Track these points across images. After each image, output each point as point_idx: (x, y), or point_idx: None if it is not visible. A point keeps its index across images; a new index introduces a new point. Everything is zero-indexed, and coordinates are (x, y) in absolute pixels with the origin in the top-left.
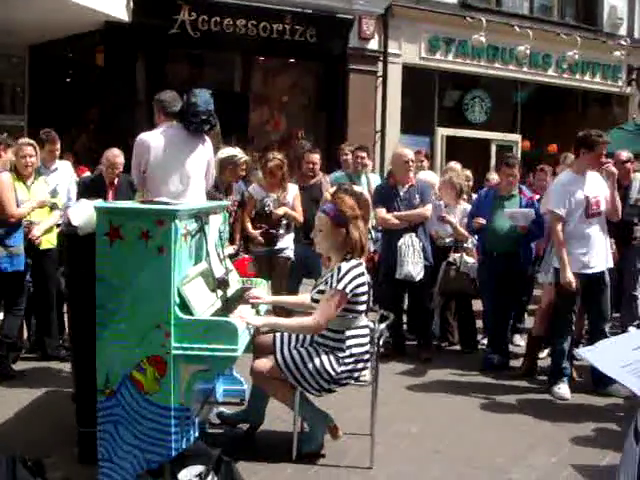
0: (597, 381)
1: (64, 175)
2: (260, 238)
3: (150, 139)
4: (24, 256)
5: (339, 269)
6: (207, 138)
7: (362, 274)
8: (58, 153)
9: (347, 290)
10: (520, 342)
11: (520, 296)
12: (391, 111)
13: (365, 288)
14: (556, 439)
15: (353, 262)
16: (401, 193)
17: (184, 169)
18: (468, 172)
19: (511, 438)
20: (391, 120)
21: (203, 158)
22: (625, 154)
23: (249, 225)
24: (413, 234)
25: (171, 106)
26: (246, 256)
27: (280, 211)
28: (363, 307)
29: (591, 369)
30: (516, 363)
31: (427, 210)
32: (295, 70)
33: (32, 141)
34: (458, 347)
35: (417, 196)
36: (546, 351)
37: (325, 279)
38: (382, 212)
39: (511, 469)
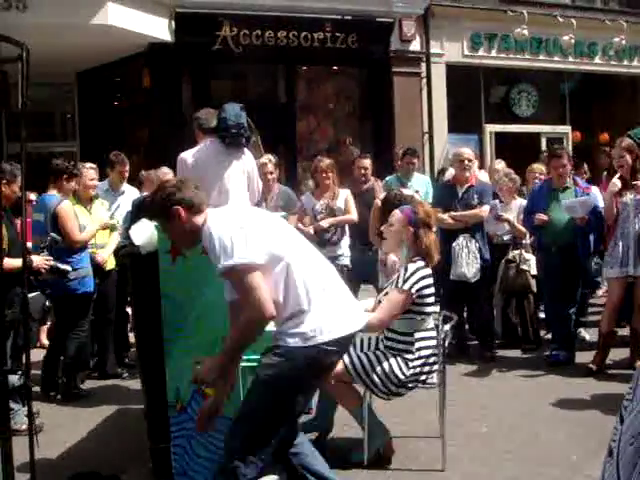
0: None
1: (130, 199)
2: (311, 231)
3: (188, 157)
4: (92, 278)
5: (406, 269)
6: (246, 151)
7: (429, 276)
8: (127, 175)
9: (413, 290)
10: (585, 335)
11: (581, 289)
12: (437, 111)
13: (432, 289)
14: None
15: (420, 263)
16: (459, 193)
17: (222, 183)
18: (542, 166)
19: (583, 435)
20: (438, 120)
21: (241, 171)
22: None
23: (300, 224)
24: (468, 235)
25: (207, 123)
26: None
27: (324, 223)
28: (431, 309)
29: None
30: (581, 358)
31: (483, 211)
32: (339, 77)
33: (94, 165)
34: (522, 345)
35: (475, 197)
36: None
37: (392, 281)
38: (438, 212)
39: (586, 466)
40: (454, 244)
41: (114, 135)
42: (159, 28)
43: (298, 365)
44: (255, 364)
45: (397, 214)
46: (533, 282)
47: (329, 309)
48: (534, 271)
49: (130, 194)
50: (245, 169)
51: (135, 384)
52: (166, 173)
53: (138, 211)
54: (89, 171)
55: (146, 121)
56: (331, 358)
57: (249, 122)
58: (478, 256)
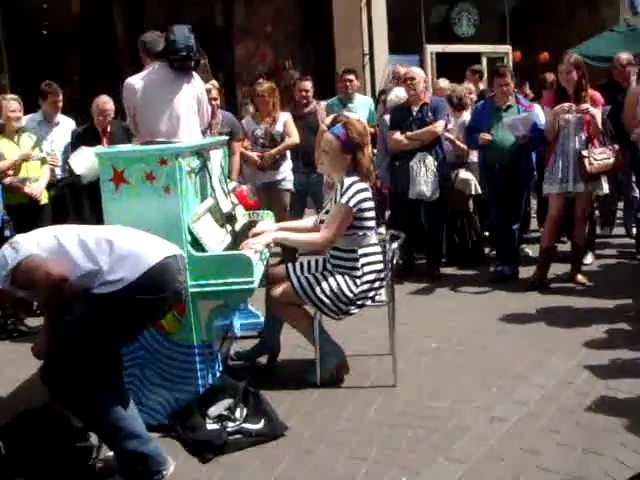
0: None
1: (66, 130)
2: (258, 159)
3: (135, 82)
4: (2, 213)
5: (342, 184)
6: (195, 75)
7: (365, 189)
8: (61, 105)
9: (351, 204)
10: (528, 251)
11: (524, 206)
12: (378, 32)
13: (370, 203)
14: (571, 344)
15: (355, 177)
16: (414, 113)
17: (172, 108)
18: (470, 85)
19: (528, 346)
20: (379, 41)
21: (191, 95)
22: (625, 56)
23: (246, 151)
24: (426, 153)
25: (154, 47)
26: (243, 187)
27: (268, 158)
28: (371, 223)
29: None
30: (524, 273)
31: (437, 127)
32: None
33: (16, 96)
34: (464, 263)
35: (430, 114)
36: (589, 256)
37: (330, 198)
38: (395, 134)
39: (531, 376)
40: (411, 163)
41: (45, 65)
42: None
43: (114, 308)
44: (205, 289)
45: (332, 139)
46: (469, 202)
47: (123, 255)
48: (471, 191)
49: (66, 125)
50: (195, 94)
51: None
52: (106, 102)
53: (77, 141)
54: (9, 102)
55: (78, 49)
56: (150, 294)
57: (197, 45)
58: (436, 173)
